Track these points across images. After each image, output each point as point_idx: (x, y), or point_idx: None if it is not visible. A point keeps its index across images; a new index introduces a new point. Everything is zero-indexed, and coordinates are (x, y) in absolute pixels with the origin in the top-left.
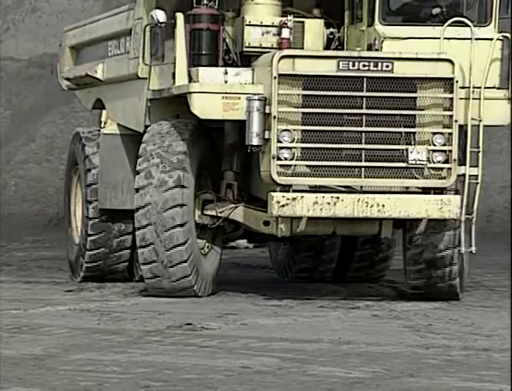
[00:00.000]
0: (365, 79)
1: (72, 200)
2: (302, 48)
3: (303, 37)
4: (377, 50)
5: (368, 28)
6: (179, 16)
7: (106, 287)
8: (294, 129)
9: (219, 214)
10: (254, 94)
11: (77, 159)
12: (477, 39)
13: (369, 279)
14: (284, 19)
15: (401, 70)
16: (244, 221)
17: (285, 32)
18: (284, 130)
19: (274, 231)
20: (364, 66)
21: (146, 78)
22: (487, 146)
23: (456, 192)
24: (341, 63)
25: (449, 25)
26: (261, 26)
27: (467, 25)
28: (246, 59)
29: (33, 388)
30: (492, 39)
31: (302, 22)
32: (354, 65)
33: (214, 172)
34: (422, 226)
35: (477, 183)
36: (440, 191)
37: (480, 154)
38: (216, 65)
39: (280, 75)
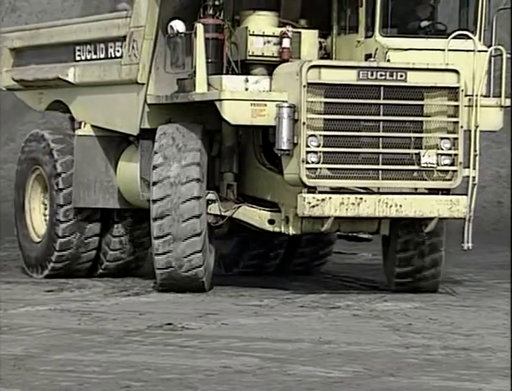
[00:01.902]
0: (382, 87)
1: (27, 200)
2: (299, 57)
3: (300, 47)
4: (375, 60)
5: (366, 39)
6: (199, 26)
7: (86, 287)
8: (320, 135)
9: (223, 213)
10: (283, 102)
11: (40, 161)
12: (468, 51)
13: (307, 273)
14: (284, 29)
15: (414, 79)
16: (247, 220)
17: (286, 42)
18: (311, 136)
19: (282, 229)
20: (381, 75)
21: (143, 84)
22: (466, 147)
23: (448, 192)
24: (361, 72)
25: (444, 37)
26: (263, 36)
27: (466, 38)
28: (245, 67)
29: (13, 389)
30: (483, 51)
31: (299, 32)
32: (372, 75)
33: (213, 173)
34: (433, 224)
35: (474, 184)
36: (447, 192)
37: (477, 157)
38: (221, 73)
39: (308, 84)
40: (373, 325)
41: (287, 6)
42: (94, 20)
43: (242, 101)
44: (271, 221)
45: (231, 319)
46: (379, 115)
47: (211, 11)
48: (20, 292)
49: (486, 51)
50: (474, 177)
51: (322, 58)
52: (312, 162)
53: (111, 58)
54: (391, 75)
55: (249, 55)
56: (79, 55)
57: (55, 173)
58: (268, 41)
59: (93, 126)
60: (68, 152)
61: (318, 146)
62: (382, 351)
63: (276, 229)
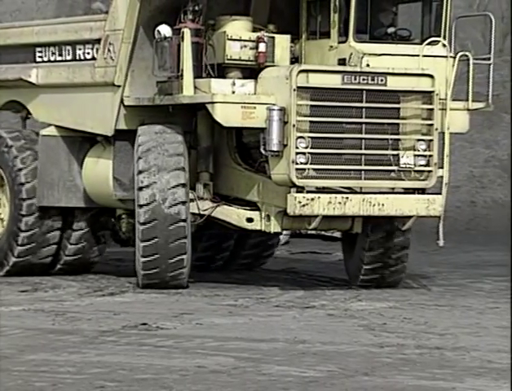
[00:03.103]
0: (364, 91)
1: None
2: (273, 61)
3: (273, 51)
4: (353, 65)
5: (339, 45)
6: (186, 31)
7: (61, 287)
8: (307, 136)
9: (202, 212)
10: (273, 104)
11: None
12: (430, 56)
13: (256, 265)
14: (260, 34)
15: (393, 84)
16: (225, 219)
17: (262, 47)
18: (300, 137)
19: (262, 228)
20: (364, 80)
21: (119, 86)
22: (440, 145)
23: (423, 192)
24: (345, 77)
25: (412, 44)
26: (240, 40)
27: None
28: (221, 71)
29: None
30: (446, 56)
31: (273, 37)
32: (355, 79)
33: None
34: (410, 222)
35: (446, 184)
36: (423, 191)
37: (447, 158)
38: (201, 76)
39: (298, 87)
40: (348, 324)
41: (255, 11)
42: (60, 22)
43: (233, 104)
44: (250, 220)
45: (206, 319)
46: (361, 117)
47: (191, 16)
48: None
49: (454, 57)
50: (442, 177)
51: (291, 62)
52: (301, 163)
53: (80, 60)
54: (373, 79)
55: (227, 59)
56: (40, 57)
57: (16, 169)
58: (245, 46)
59: (57, 126)
60: (27, 149)
61: (306, 147)
62: (357, 350)
63: (255, 227)
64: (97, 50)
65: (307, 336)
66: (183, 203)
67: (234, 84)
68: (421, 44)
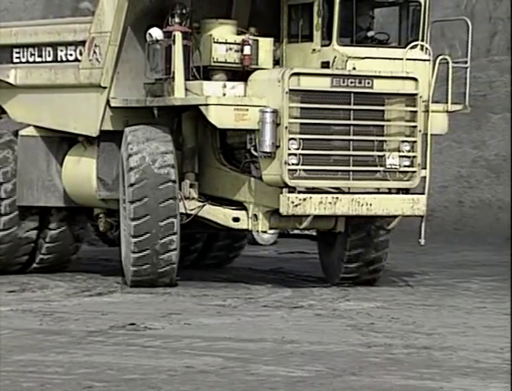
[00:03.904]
0: (352, 94)
1: None
2: (257, 64)
3: (257, 54)
4: (338, 68)
5: (322, 48)
6: (178, 35)
7: (48, 288)
8: (298, 138)
9: (189, 212)
10: (265, 107)
11: None
12: (411, 59)
13: (222, 265)
14: (245, 37)
15: (379, 86)
16: (211, 218)
17: (247, 50)
18: (292, 139)
19: (249, 227)
20: (352, 82)
21: (105, 87)
22: (423, 147)
23: (407, 192)
24: (334, 80)
25: (394, 47)
26: (226, 43)
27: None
28: (206, 73)
29: None
30: (428, 60)
31: (257, 40)
32: (344, 82)
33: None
34: (396, 222)
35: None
36: (406, 191)
37: (428, 159)
38: (188, 79)
39: (290, 90)
40: (336, 324)
41: (237, 15)
42: (40, 24)
43: (227, 106)
44: (236, 219)
45: (194, 319)
46: (349, 119)
47: (178, 19)
48: None
49: (434, 60)
50: (425, 178)
51: (272, 65)
52: (293, 164)
53: (61, 61)
54: (360, 82)
55: (214, 61)
56: (17, 58)
57: None
58: (230, 48)
59: (36, 127)
60: (3, 149)
61: (297, 148)
62: (345, 350)
63: (241, 226)
64: (80, 51)
65: (295, 335)
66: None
67: (225, 86)
68: (403, 47)
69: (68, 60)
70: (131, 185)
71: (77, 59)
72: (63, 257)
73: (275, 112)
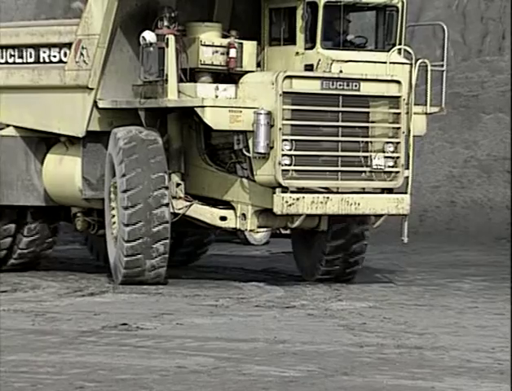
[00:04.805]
0: (341, 96)
1: None
2: (241, 66)
3: (242, 57)
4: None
5: (306, 51)
6: (171, 38)
7: (40, 288)
8: (290, 139)
9: (176, 211)
10: (261, 109)
11: None
12: (394, 63)
13: (191, 261)
14: (231, 40)
15: (365, 89)
16: (198, 217)
17: (233, 52)
18: (285, 140)
19: (237, 226)
20: (340, 85)
21: (92, 89)
22: (420, 146)
23: (390, 192)
24: (324, 82)
25: (375, 51)
26: (212, 46)
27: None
28: (191, 75)
29: None
30: (410, 63)
31: (241, 43)
32: (333, 84)
33: None
34: (381, 220)
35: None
36: (390, 191)
37: (411, 159)
38: (179, 81)
39: (284, 92)
40: (328, 324)
41: (218, 18)
42: (22, 26)
43: (221, 108)
44: (223, 218)
45: (187, 319)
46: (338, 121)
47: (167, 23)
48: None
49: (413, 64)
50: (408, 177)
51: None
52: (286, 164)
53: (44, 62)
54: (348, 85)
55: (201, 64)
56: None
57: None
58: (216, 51)
59: (16, 127)
60: None
61: (290, 149)
62: (337, 350)
63: (229, 225)
64: (65, 53)
65: (287, 335)
66: (167, 205)
67: (217, 88)
68: (387, 51)
69: (51, 62)
70: (123, 176)
71: (61, 61)
72: (39, 252)
73: (269, 113)
